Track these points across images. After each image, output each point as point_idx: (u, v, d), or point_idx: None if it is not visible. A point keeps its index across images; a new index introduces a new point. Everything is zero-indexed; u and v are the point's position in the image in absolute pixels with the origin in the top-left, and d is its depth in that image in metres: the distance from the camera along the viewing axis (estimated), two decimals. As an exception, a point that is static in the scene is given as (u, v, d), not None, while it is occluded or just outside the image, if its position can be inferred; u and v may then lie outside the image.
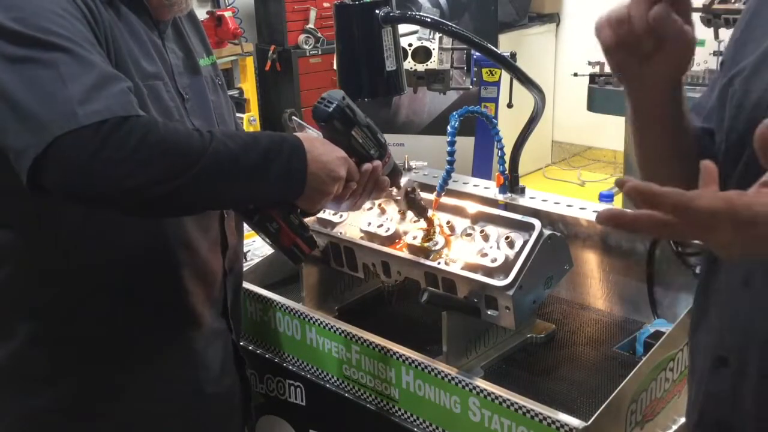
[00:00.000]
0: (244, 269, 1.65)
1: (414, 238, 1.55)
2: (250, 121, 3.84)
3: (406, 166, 2.02)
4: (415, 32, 2.89)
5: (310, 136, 1.27)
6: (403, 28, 2.29)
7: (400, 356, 1.43)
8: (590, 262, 1.75)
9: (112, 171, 1.03)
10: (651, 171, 1.16)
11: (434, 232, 1.54)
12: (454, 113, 1.63)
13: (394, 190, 1.48)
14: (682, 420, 1.43)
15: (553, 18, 6.07)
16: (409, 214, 1.58)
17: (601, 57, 4.10)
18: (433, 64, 2.89)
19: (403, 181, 1.48)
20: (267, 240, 1.30)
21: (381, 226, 1.61)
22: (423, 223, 1.56)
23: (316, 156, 1.22)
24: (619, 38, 0.98)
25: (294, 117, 2.05)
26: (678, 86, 1.05)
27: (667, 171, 1.12)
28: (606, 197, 2.27)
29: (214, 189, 1.13)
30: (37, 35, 1.05)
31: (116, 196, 1.06)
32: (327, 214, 1.70)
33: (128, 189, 1.05)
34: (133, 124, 1.05)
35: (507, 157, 1.84)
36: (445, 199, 1.61)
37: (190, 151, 1.09)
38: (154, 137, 1.06)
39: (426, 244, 1.52)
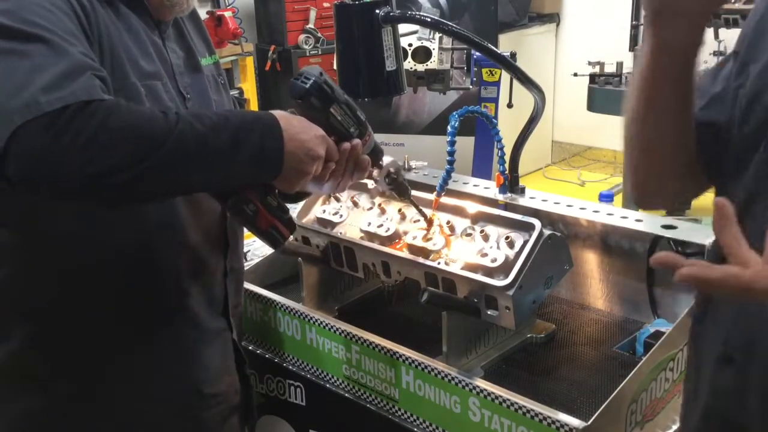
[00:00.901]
0: (245, 269, 1.65)
1: (414, 238, 1.55)
2: (250, 121, 3.83)
3: (406, 166, 2.02)
4: (415, 32, 2.89)
5: (286, 114, 1.22)
6: (403, 28, 2.29)
7: (401, 356, 1.43)
8: (590, 262, 1.75)
9: (71, 157, 1.00)
10: (648, 151, 1.12)
11: (434, 232, 1.54)
12: (454, 113, 1.63)
13: (375, 171, 1.44)
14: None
15: (553, 18, 6.07)
16: (410, 214, 1.58)
17: (601, 57, 4.11)
18: (433, 64, 2.89)
19: (386, 160, 1.44)
20: (244, 223, 1.26)
21: (381, 226, 1.61)
22: (423, 223, 1.56)
23: (293, 134, 1.18)
24: None
25: (294, 117, 2.04)
26: (697, 49, 1.03)
27: (666, 153, 1.10)
28: (606, 197, 2.27)
29: (182, 173, 1.10)
30: (19, 27, 1.05)
31: (78, 184, 1.02)
32: (327, 214, 1.70)
33: (90, 176, 1.01)
34: (95, 108, 1.01)
35: (507, 157, 1.84)
36: (445, 199, 1.60)
37: (154, 134, 1.05)
38: (115, 121, 1.02)
39: (426, 244, 1.52)
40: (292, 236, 1.32)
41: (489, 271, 1.41)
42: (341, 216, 1.69)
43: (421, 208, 1.55)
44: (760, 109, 1.00)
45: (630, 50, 4.36)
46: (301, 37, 5.07)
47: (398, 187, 1.49)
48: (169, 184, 1.11)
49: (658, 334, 1.47)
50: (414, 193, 1.56)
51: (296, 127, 1.19)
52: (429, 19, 1.80)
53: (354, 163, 1.30)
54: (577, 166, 6.13)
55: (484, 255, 1.44)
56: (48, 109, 0.99)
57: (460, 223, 1.54)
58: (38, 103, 0.99)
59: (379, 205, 1.66)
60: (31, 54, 1.03)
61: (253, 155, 1.14)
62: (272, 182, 1.21)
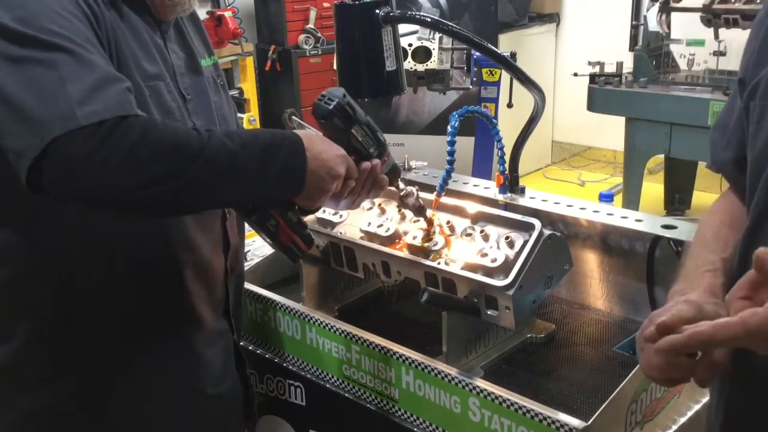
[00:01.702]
0: (245, 269, 1.65)
1: (414, 238, 1.55)
2: (250, 121, 3.84)
3: (406, 166, 2.02)
4: (415, 32, 2.89)
5: (310, 134, 1.26)
6: (403, 28, 2.29)
7: (400, 356, 1.43)
8: (590, 262, 1.75)
9: (110, 171, 1.03)
10: None
11: (434, 232, 1.54)
12: (454, 113, 1.63)
13: (393, 190, 1.47)
14: (683, 420, 1.43)
15: (553, 18, 6.07)
16: (410, 214, 1.59)
17: (601, 57, 4.11)
18: (433, 64, 2.89)
19: (402, 184, 1.48)
20: (265, 238, 1.30)
21: (381, 226, 1.61)
22: (423, 223, 1.56)
23: (316, 154, 1.21)
24: None
25: (294, 117, 2.04)
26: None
27: None
28: (606, 197, 2.27)
29: (213, 188, 1.13)
30: (38, 35, 1.05)
31: (114, 196, 1.06)
32: (327, 214, 1.70)
33: (126, 189, 1.05)
34: (131, 124, 1.04)
35: (507, 157, 1.84)
36: (445, 199, 1.61)
37: (189, 151, 1.08)
38: (152, 137, 1.06)
39: (426, 244, 1.52)
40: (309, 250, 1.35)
41: (489, 271, 1.41)
42: (341, 216, 1.69)
43: (438, 225, 1.55)
44: (765, 129, 1.00)
45: (630, 50, 4.37)
46: (301, 37, 5.08)
47: (414, 206, 1.52)
48: (201, 198, 1.14)
49: (658, 334, 1.47)
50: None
51: (319, 146, 1.23)
52: (429, 19, 1.80)
53: (372, 181, 1.34)
54: (577, 166, 6.13)
55: (484, 255, 1.44)
56: (84, 122, 1.01)
57: (460, 223, 1.54)
58: (74, 115, 1.01)
59: (379, 205, 1.66)
60: (56, 63, 1.04)
61: (278, 173, 1.17)
62: (294, 199, 1.24)
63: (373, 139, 1.33)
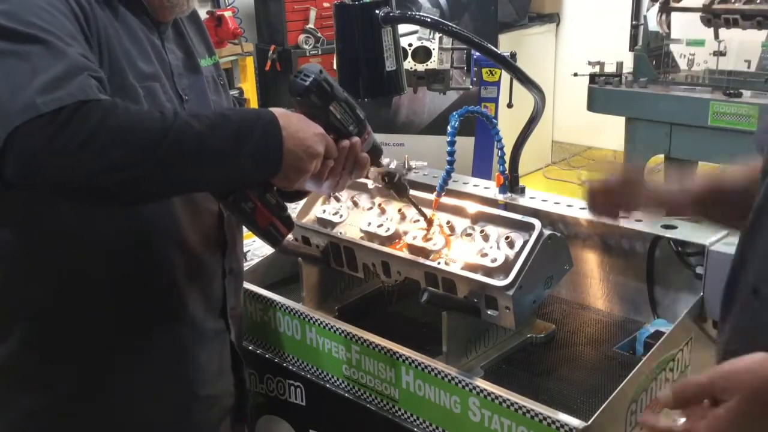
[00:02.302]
0: (244, 269, 1.65)
1: (414, 238, 1.55)
2: (250, 121, 3.82)
3: (406, 166, 2.02)
4: (415, 32, 2.89)
5: (286, 112, 1.21)
6: (403, 28, 2.29)
7: (400, 356, 1.43)
8: (590, 262, 1.75)
9: (69, 158, 1.00)
10: None
11: (434, 232, 1.54)
12: (454, 113, 1.63)
13: (374, 170, 1.44)
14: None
15: (553, 18, 6.07)
16: (410, 214, 1.58)
17: (601, 57, 4.09)
18: (433, 64, 2.89)
19: (385, 160, 1.44)
20: (243, 221, 1.26)
21: (381, 226, 1.61)
22: (423, 223, 1.56)
23: (293, 132, 1.17)
24: None
25: (294, 117, 2.03)
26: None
27: None
28: (606, 197, 2.27)
29: (180, 172, 1.10)
30: (18, 28, 1.05)
31: (75, 183, 1.03)
32: (327, 214, 1.70)
33: (87, 176, 1.02)
34: (91, 108, 1.01)
35: (507, 157, 1.84)
36: (445, 199, 1.60)
37: (152, 133, 1.05)
38: (112, 121, 1.02)
39: (426, 244, 1.52)
40: (291, 236, 1.32)
41: (489, 271, 1.41)
42: (341, 216, 1.69)
43: (420, 207, 1.55)
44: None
45: (630, 50, 4.36)
46: (301, 37, 5.07)
47: (396, 186, 1.49)
48: (167, 183, 1.11)
49: (658, 334, 1.47)
50: (414, 193, 1.56)
51: (295, 124, 1.19)
52: (429, 19, 1.80)
53: (353, 160, 1.29)
54: (577, 166, 6.13)
55: (484, 255, 1.44)
56: (45, 110, 0.99)
57: (460, 223, 1.54)
58: (35, 104, 0.99)
59: (379, 205, 1.66)
60: (30, 55, 1.03)
61: (252, 153, 1.14)
62: (271, 180, 1.20)
63: (353, 116, 1.28)
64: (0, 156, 0.99)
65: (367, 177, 1.45)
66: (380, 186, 1.51)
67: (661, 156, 4.39)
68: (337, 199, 1.73)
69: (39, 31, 1.05)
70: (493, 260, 1.42)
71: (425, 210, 1.56)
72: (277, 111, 1.19)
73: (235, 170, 1.15)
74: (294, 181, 1.21)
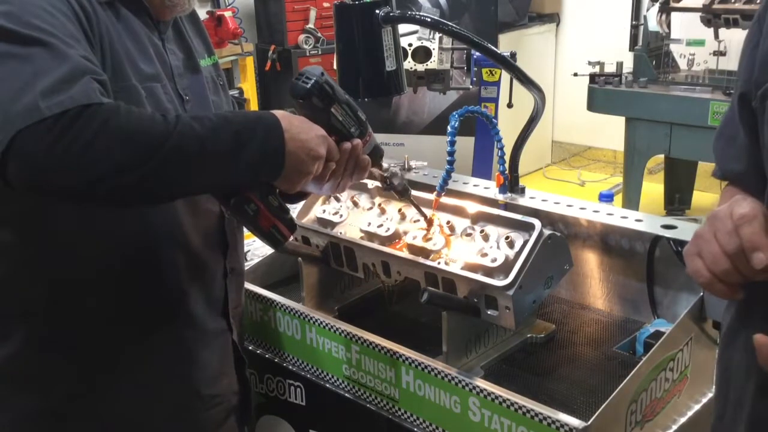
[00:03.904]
0: (245, 269, 1.65)
1: (414, 238, 1.55)
2: (250, 121, 3.82)
3: (406, 166, 2.02)
4: (415, 32, 2.89)
5: (288, 114, 1.22)
6: (403, 28, 2.29)
7: (400, 356, 1.43)
8: (590, 262, 1.75)
9: (71, 162, 1.00)
10: None
11: (434, 232, 1.54)
12: (454, 113, 1.63)
13: (376, 171, 1.44)
14: (683, 420, 1.43)
15: (553, 18, 6.07)
16: (410, 214, 1.58)
17: (601, 57, 4.11)
18: (433, 64, 2.89)
19: (386, 163, 1.44)
20: (245, 224, 1.26)
21: (381, 226, 1.61)
22: (423, 223, 1.56)
23: (294, 134, 1.18)
24: None
25: (294, 117, 2.03)
26: None
27: None
28: (606, 197, 2.26)
29: (182, 174, 1.10)
30: (19, 30, 1.04)
31: (78, 188, 1.03)
32: (327, 214, 1.70)
33: (90, 180, 1.02)
34: (93, 112, 1.01)
35: (507, 157, 1.84)
36: (445, 199, 1.60)
37: (154, 136, 1.05)
38: (114, 124, 1.02)
39: (426, 244, 1.52)
40: (292, 236, 1.32)
41: (489, 271, 1.41)
42: (341, 216, 1.69)
43: (421, 208, 1.55)
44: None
45: (630, 50, 4.37)
46: (301, 37, 5.08)
47: (397, 188, 1.50)
48: (170, 186, 1.11)
49: (658, 334, 1.47)
50: (414, 193, 1.56)
51: (297, 127, 1.19)
52: (429, 19, 1.80)
53: (354, 162, 1.30)
54: (577, 166, 6.13)
55: (484, 255, 1.44)
56: (47, 114, 0.99)
57: (460, 223, 1.54)
58: (38, 107, 0.99)
59: (379, 205, 1.66)
60: (32, 58, 1.03)
61: (254, 156, 1.14)
62: (273, 182, 1.21)
63: (354, 118, 1.29)
64: (2, 159, 1.00)
65: (369, 178, 1.46)
66: (381, 187, 1.51)
67: (661, 156, 4.39)
68: (337, 199, 1.73)
69: (40, 33, 1.05)
70: (493, 260, 1.42)
71: (425, 210, 1.56)
72: (278, 113, 1.19)
73: (237, 173, 1.15)
74: (296, 183, 1.21)
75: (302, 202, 1.71)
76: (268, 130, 1.16)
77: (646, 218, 1.65)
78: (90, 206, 1.16)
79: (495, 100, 3.16)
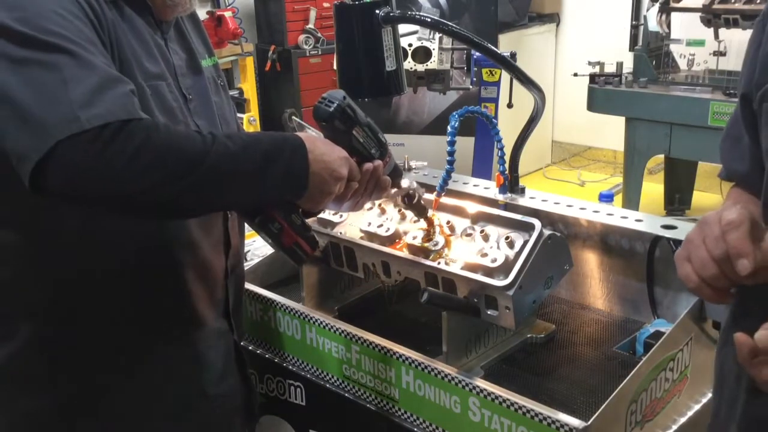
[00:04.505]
0: (245, 269, 1.65)
1: (414, 238, 1.55)
2: (250, 121, 3.84)
3: (406, 166, 2.02)
4: (415, 32, 2.89)
5: (312, 136, 1.26)
6: (403, 28, 2.29)
7: (400, 356, 1.43)
8: (590, 262, 1.75)
9: (113, 176, 1.03)
10: None
11: (434, 232, 1.54)
12: (454, 113, 1.63)
13: (395, 191, 1.48)
14: (683, 420, 1.43)
15: (553, 18, 6.07)
16: (410, 214, 1.59)
17: (601, 57, 4.10)
18: (433, 64, 2.90)
19: (405, 183, 1.48)
20: (269, 240, 1.30)
21: (381, 226, 1.61)
22: (423, 223, 1.56)
23: (318, 156, 1.22)
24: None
25: (294, 117, 2.04)
26: None
27: None
28: (606, 197, 2.27)
29: (216, 192, 1.13)
30: (39, 36, 1.05)
31: (117, 200, 1.06)
32: (327, 214, 1.70)
33: (129, 194, 1.05)
34: (134, 128, 1.04)
35: (507, 157, 1.84)
36: (445, 199, 1.61)
37: (192, 154, 1.09)
38: (155, 141, 1.06)
39: (426, 244, 1.52)
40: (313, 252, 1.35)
41: (489, 271, 1.41)
42: (341, 216, 1.69)
43: (438, 225, 1.55)
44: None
45: (630, 50, 4.37)
46: (301, 37, 5.08)
47: (416, 207, 1.51)
48: (205, 201, 1.15)
49: (658, 334, 1.47)
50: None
51: (320, 148, 1.23)
52: (429, 19, 1.80)
53: (375, 183, 1.34)
54: (577, 166, 6.14)
55: (484, 255, 1.44)
56: (88, 126, 1.01)
57: (460, 223, 1.54)
58: (78, 119, 1.01)
59: (379, 205, 1.66)
60: (58, 65, 1.04)
61: (281, 176, 1.18)
62: (297, 201, 1.24)
63: (375, 140, 1.34)
64: (41, 167, 1.01)
65: (388, 198, 1.50)
66: (401, 206, 1.54)
67: (661, 156, 4.39)
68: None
69: (61, 40, 1.06)
70: (493, 260, 1.42)
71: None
72: (303, 135, 1.24)
73: (264, 191, 1.19)
74: (319, 202, 1.25)
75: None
76: (294, 150, 1.20)
77: (646, 218, 1.65)
78: (118, 216, 1.18)
79: (495, 100, 3.17)
